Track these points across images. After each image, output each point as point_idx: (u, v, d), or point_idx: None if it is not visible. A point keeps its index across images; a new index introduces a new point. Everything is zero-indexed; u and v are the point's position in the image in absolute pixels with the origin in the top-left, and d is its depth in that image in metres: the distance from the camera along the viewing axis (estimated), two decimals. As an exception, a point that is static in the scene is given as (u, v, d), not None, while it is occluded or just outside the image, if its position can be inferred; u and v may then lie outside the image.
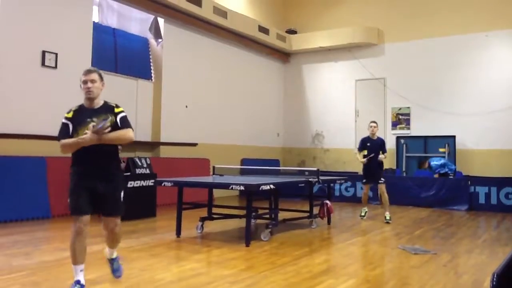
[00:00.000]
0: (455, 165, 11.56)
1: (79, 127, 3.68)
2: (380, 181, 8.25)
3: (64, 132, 3.71)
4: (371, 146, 8.35)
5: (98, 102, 3.82)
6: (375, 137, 8.45)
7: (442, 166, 11.16)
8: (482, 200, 10.24)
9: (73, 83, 8.70)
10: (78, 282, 3.59)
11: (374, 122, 8.61)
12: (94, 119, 3.67)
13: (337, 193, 11.51)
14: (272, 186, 6.06)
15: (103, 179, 3.73)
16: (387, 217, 8.07)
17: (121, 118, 3.79)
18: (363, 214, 8.58)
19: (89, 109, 3.77)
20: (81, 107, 3.81)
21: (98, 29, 9.64)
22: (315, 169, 7.50)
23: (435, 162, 11.34)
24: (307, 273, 4.53)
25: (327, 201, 7.53)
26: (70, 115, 3.75)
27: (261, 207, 7.27)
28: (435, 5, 12.95)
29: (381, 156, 8.30)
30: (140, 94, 10.33)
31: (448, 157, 11.83)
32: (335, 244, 6.37)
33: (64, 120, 3.74)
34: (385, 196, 8.25)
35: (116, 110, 3.81)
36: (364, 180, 8.60)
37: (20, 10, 7.90)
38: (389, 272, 4.83)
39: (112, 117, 3.70)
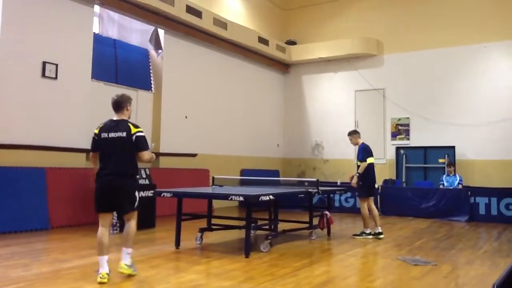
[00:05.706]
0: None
1: None
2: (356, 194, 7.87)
3: None
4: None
5: None
6: (358, 146, 7.93)
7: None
8: (482, 211, 10.20)
9: (73, 94, 8.82)
10: None
11: (348, 134, 8.05)
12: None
13: (337, 204, 11.49)
14: (271, 197, 6.04)
15: None
16: (358, 232, 7.69)
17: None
18: (367, 232, 7.61)
19: None
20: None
21: (99, 40, 9.69)
22: (314, 179, 7.49)
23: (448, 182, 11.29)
24: (307, 284, 4.50)
25: (327, 212, 7.50)
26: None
27: (260, 218, 7.25)
28: (434, 16, 13.02)
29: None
30: (140, 104, 10.34)
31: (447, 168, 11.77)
32: (335, 255, 6.34)
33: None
34: (362, 211, 7.75)
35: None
36: None
37: (21, 21, 7.94)
38: (389, 283, 4.80)
39: None
